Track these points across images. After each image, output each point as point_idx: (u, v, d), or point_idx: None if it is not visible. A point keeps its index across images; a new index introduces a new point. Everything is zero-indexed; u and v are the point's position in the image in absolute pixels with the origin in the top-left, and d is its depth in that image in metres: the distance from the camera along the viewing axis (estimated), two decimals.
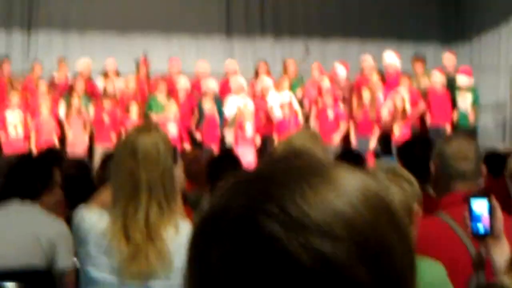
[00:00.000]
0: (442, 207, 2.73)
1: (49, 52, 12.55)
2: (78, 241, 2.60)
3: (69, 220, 2.79)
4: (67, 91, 11.26)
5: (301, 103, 11.50)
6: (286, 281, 0.68)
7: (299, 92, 11.60)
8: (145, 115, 11.01)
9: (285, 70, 11.99)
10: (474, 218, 2.29)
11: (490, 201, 2.28)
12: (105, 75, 11.65)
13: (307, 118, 11.44)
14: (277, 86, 11.41)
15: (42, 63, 11.78)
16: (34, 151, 9.54)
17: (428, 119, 11.03)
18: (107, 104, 10.93)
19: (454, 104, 11.07)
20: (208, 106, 11.12)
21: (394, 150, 9.69)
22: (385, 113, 10.85)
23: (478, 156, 2.83)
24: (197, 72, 11.92)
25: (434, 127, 10.82)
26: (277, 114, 11.08)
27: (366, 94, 10.96)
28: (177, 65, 11.93)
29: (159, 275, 2.49)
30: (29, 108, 10.94)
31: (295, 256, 0.68)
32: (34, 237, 3.28)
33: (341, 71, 11.59)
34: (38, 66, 11.65)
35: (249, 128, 10.90)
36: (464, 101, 10.96)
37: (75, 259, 3.06)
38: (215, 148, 10.57)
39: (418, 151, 3.37)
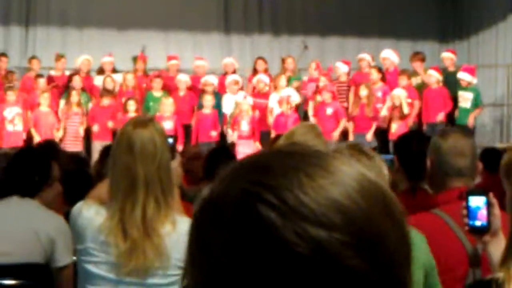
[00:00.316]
0: (438, 203, 2.73)
1: (47, 48, 12.54)
2: (76, 237, 2.60)
3: (67, 216, 2.78)
4: (66, 88, 11.24)
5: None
6: (283, 269, 0.69)
7: (297, 89, 11.61)
8: (143, 111, 11.00)
9: (283, 67, 11.99)
10: (471, 214, 2.29)
11: (488, 198, 2.29)
12: (102, 71, 11.64)
13: (305, 115, 11.45)
14: (275, 84, 11.41)
15: (40, 59, 11.77)
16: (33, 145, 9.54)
17: (424, 117, 11.02)
18: (105, 100, 10.93)
19: (454, 101, 11.05)
20: (208, 102, 11.10)
21: (391, 148, 9.68)
22: (384, 113, 10.87)
23: (474, 152, 2.83)
24: (196, 70, 11.91)
25: (429, 124, 10.81)
26: (276, 110, 11.08)
27: (363, 91, 10.96)
28: (176, 62, 11.94)
29: (157, 271, 2.49)
30: (27, 103, 10.93)
31: (292, 244, 0.69)
32: (33, 232, 3.27)
33: (343, 68, 11.62)
34: (36, 62, 11.63)
35: (246, 124, 10.89)
36: (465, 100, 10.93)
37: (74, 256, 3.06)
38: (213, 145, 10.56)
39: (415, 147, 3.36)
